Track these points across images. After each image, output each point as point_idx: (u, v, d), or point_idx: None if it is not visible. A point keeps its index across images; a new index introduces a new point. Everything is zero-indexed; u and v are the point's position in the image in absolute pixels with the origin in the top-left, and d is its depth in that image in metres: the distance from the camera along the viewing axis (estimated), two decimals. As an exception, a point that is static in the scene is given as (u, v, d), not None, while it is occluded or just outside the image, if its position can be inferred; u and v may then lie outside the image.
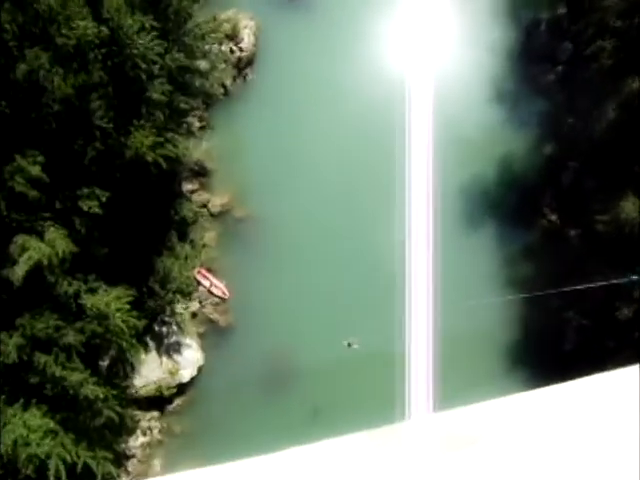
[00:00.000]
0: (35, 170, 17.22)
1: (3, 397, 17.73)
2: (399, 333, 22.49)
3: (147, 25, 18.91)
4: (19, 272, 17.18)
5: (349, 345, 22.76)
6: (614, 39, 23.73)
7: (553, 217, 25.91)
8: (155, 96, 19.15)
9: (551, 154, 26.30)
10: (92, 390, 18.55)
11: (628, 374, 3.64)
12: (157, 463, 23.58)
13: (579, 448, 3.54)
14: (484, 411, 3.48)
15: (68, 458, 18.10)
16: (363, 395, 22.42)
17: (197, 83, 21.89)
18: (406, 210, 23.82)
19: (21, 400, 18.02)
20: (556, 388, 3.63)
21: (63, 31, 17.68)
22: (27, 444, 17.20)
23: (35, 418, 17.52)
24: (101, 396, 18.94)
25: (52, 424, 17.84)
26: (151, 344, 23.01)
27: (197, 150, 24.70)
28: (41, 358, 17.84)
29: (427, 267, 23.01)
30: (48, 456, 17.78)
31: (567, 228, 25.48)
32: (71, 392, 18.40)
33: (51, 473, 17.60)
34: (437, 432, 3.48)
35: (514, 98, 26.68)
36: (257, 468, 3.77)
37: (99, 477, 18.98)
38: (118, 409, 20.08)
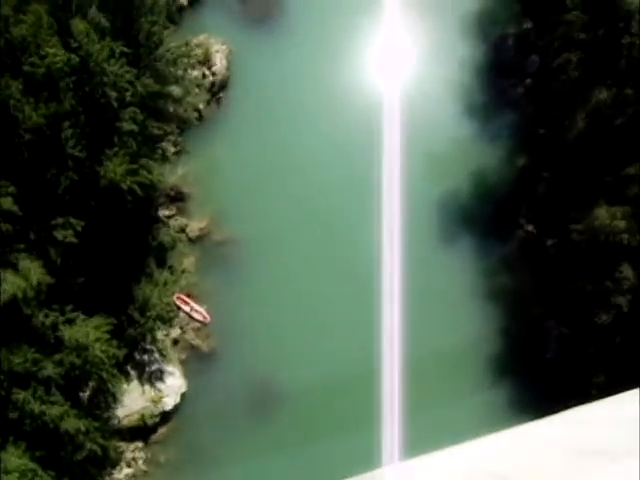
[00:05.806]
0: (6, 203, 16.95)
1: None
2: (376, 355, 22.41)
3: (117, 51, 18.84)
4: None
5: None
6: (579, 51, 24.23)
7: (529, 227, 26.16)
8: (127, 124, 19.02)
9: (524, 165, 26.63)
10: (73, 423, 18.15)
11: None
12: (143, 495, 23.06)
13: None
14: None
15: (49, 496, 17.61)
16: (344, 421, 22.27)
17: (170, 108, 21.81)
18: (382, 227, 23.92)
19: (-1, 438, 17.56)
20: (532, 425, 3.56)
21: (32, 59, 17.55)
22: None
23: (13, 457, 17.00)
24: (82, 429, 18.54)
25: (31, 463, 17.31)
26: (132, 373, 22.60)
27: (173, 175, 24.57)
28: (19, 393, 17.41)
29: (398, 285, 23.10)
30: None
31: (544, 237, 25.72)
32: (51, 426, 17.97)
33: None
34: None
35: (485, 112, 27.05)
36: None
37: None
38: (101, 441, 19.66)
